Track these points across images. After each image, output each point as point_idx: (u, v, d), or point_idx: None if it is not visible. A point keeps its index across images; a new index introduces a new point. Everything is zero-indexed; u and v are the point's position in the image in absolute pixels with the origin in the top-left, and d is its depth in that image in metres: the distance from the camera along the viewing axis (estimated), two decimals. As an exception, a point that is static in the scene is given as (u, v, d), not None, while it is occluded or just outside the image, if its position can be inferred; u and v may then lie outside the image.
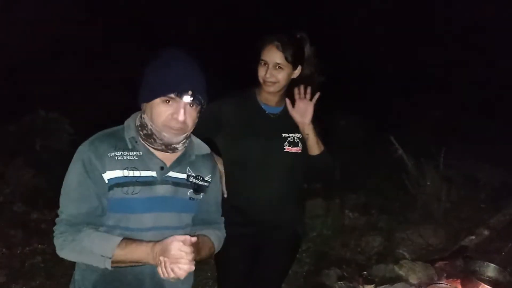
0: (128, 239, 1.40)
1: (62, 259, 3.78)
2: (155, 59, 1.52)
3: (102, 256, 1.37)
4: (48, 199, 4.38)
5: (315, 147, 2.13)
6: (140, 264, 1.41)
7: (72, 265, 3.73)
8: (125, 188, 1.45)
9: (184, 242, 1.32)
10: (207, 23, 8.85)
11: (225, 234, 1.75)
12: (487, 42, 7.88)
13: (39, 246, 3.93)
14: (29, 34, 6.04)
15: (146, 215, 1.48)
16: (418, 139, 5.72)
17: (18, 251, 3.89)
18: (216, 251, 1.66)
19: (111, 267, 1.38)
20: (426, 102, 7.39)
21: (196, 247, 1.40)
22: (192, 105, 1.47)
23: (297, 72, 2.12)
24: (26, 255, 3.85)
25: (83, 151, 1.47)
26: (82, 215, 1.43)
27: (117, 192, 1.45)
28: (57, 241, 1.43)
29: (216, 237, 1.65)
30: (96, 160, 1.44)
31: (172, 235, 1.45)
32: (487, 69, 7.42)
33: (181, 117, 1.44)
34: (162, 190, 1.51)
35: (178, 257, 1.30)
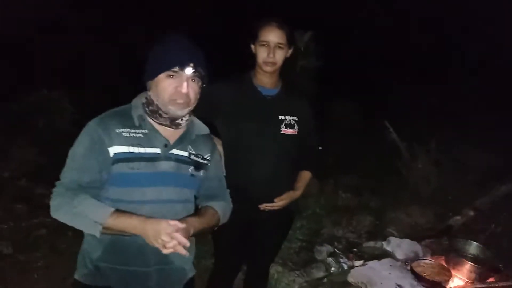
0: (120, 211, 1.47)
1: (66, 232, 3.92)
2: (157, 42, 1.63)
3: (95, 222, 1.42)
4: (51, 175, 4.46)
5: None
6: (126, 233, 1.47)
7: (75, 238, 3.87)
8: (131, 164, 1.54)
9: (173, 227, 1.41)
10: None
11: (231, 205, 1.84)
12: (478, 29, 7.93)
13: (43, 219, 4.03)
14: (31, 12, 6.05)
15: (150, 189, 1.57)
16: (411, 124, 5.83)
17: (23, 224, 4.01)
18: (222, 219, 1.75)
19: (100, 233, 1.44)
20: (421, 89, 7.48)
21: (187, 230, 1.48)
22: (194, 80, 1.58)
23: (290, 52, 2.21)
24: (31, 228, 3.97)
25: (92, 126, 1.55)
26: (81, 182, 1.50)
27: (122, 167, 1.53)
28: (53, 202, 1.50)
29: (220, 206, 1.74)
30: (103, 134, 1.52)
31: (172, 208, 1.60)
32: (479, 56, 7.49)
33: (184, 89, 1.55)
34: (165, 166, 1.60)
35: (167, 242, 1.40)
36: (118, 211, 1.46)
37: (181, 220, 1.49)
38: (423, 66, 8.28)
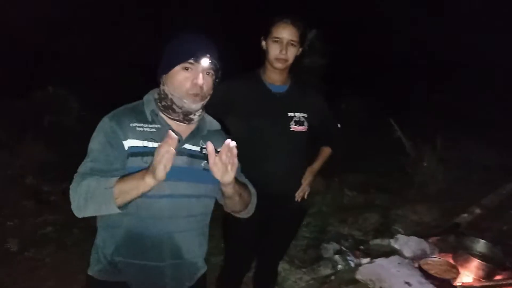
0: (129, 174, 1.44)
1: (73, 230, 3.94)
2: (169, 39, 1.63)
3: (105, 188, 1.39)
4: (58, 172, 4.51)
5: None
6: (140, 192, 1.39)
7: (82, 235, 3.89)
8: (145, 158, 1.53)
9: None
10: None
11: (254, 191, 1.82)
12: (487, 26, 7.92)
13: (50, 216, 4.06)
14: (39, 11, 6.06)
15: (163, 183, 1.51)
16: (417, 122, 5.83)
17: (30, 221, 4.03)
18: (252, 201, 1.76)
19: (117, 205, 1.39)
20: (427, 86, 7.48)
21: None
22: (209, 73, 1.58)
23: (300, 51, 2.21)
24: (38, 225, 3.99)
25: (106, 121, 1.56)
26: (95, 169, 1.49)
27: (136, 161, 1.53)
28: (70, 192, 1.48)
29: (253, 190, 1.77)
30: (117, 128, 1.53)
31: (188, 203, 1.60)
32: (486, 54, 7.47)
33: (200, 81, 1.54)
34: (178, 160, 1.58)
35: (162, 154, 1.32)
36: (126, 174, 1.45)
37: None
38: (429, 64, 8.26)
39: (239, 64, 2.34)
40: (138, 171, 1.42)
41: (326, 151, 2.50)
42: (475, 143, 5.34)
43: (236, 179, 1.58)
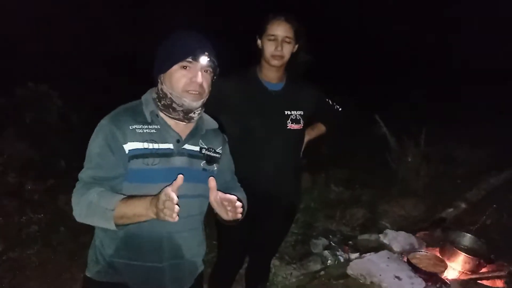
0: (134, 196, 1.43)
1: (59, 229, 3.86)
2: (165, 37, 1.62)
3: (106, 209, 1.39)
4: (40, 170, 4.40)
5: None
6: (142, 220, 1.40)
7: (68, 234, 3.81)
8: (146, 160, 1.52)
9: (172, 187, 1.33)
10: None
11: (245, 196, 1.84)
12: (470, 25, 8.07)
13: (35, 215, 3.96)
14: (20, 4, 5.92)
15: (165, 184, 1.49)
16: (401, 118, 5.90)
17: (14, 221, 3.92)
18: (245, 209, 1.75)
19: (115, 225, 1.40)
20: (410, 83, 7.58)
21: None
22: (207, 71, 1.58)
23: (296, 48, 2.21)
24: (22, 224, 3.88)
25: (105, 124, 1.53)
26: (98, 178, 1.49)
27: (137, 163, 1.52)
28: (72, 200, 1.48)
29: (244, 198, 1.77)
30: (117, 131, 1.51)
31: (187, 204, 1.57)
32: (468, 51, 7.61)
33: (199, 79, 1.54)
34: (178, 161, 1.59)
35: (165, 201, 1.31)
36: (130, 196, 1.43)
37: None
38: (411, 61, 8.37)
39: (236, 60, 2.31)
40: (142, 196, 1.41)
41: (320, 126, 2.56)
42: (458, 139, 5.43)
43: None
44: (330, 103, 2.50)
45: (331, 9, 9.38)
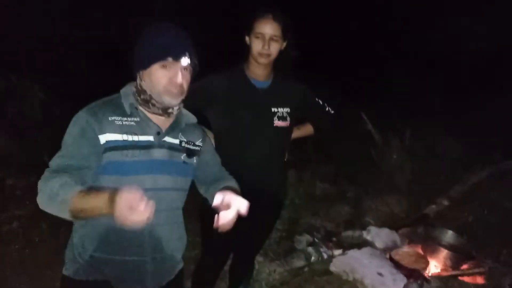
0: (92, 189, 1.39)
1: (40, 225, 3.81)
2: (145, 29, 1.60)
3: (63, 200, 1.34)
4: (22, 165, 4.35)
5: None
6: (97, 214, 1.34)
7: (50, 230, 3.76)
8: (125, 151, 1.51)
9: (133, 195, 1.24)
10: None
11: (236, 182, 1.84)
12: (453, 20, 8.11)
13: (16, 211, 3.90)
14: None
15: (145, 176, 1.55)
16: (386, 114, 5.93)
17: (-6, 217, 3.89)
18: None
19: (72, 217, 1.36)
20: (395, 78, 7.62)
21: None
22: (187, 69, 1.57)
23: (284, 45, 2.22)
24: (3, 220, 3.83)
25: (81, 114, 1.52)
26: (67, 166, 1.45)
27: (116, 155, 1.50)
28: (38, 186, 1.44)
29: (236, 185, 1.80)
30: (94, 122, 1.49)
31: (167, 196, 1.60)
32: (452, 47, 7.66)
33: (179, 80, 1.54)
34: (159, 153, 1.59)
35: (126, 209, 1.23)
36: (88, 189, 1.39)
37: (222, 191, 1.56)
38: (395, 55, 8.41)
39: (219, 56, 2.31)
40: (101, 191, 1.34)
41: (307, 127, 2.56)
42: (441, 135, 5.48)
43: (229, 188, 1.65)
44: (321, 103, 2.48)
45: (313, 4, 9.36)
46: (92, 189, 1.39)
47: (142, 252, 1.59)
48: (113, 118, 1.53)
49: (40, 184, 1.44)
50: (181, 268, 1.81)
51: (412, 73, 7.57)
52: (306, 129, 2.55)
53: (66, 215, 1.37)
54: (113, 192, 1.26)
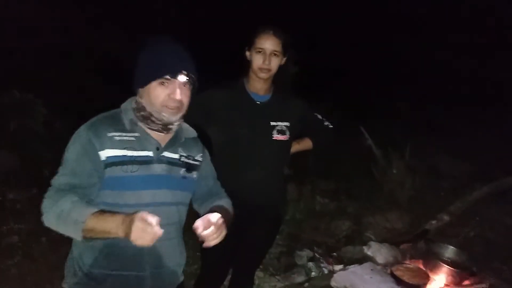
0: (103, 211, 1.43)
1: (40, 239, 3.80)
2: (144, 46, 1.63)
3: (76, 220, 1.38)
4: (23, 179, 4.36)
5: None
6: (110, 236, 1.40)
7: (49, 245, 3.75)
8: (125, 167, 1.53)
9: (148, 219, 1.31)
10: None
11: (230, 201, 1.86)
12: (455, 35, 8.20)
13: (16, 225, 3.89)
14: (3, 10, 5.88)
15: (145, 192, 1.57)
16: (386, 130, 5.96)
17: (-5, 231, 3.87)
18: (231, 214, 1.80)
19: (82, 237, 1.39)
20: (395, 95, 7.66)
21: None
22: (186, 85, 1.59)
23: (284, 60, 2.25)
24: (3, 234, 3.81)
25: (82, 131, 1.54)
26: (72, 185, 1.48)
27: (116, 170, 1.52)
28: (43, 205, 1.47)
29: (228, 204, 1.81)
30: (94, 138, 1.51)
31: (166, 211, 1.60)
32: (454, 64, 7.74)
33: (178, 96, 1.55)
34: (158, 169, 1.60)
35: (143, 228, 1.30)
36: (102, 211, 1.43)
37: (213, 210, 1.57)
38: (395, 71, 8.47)
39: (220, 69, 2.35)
40: (115, 213, 1.41)
41: (306, 141, 2.56)
42: (441, 152, 5.50)
43: (219, 208, 1.66)
44: (320, 118, 2.50)
45: (316, 18, 9.47)
46: (106, 212, 1.43)
47: (141, 267, 1.59)
48: (112, 134, 1.55)
49: (46, 203, 1.46)
50: (181, 282, 1.81)
51: (413, 90, 7.63)
52: (305, 144, 2.56)
53: (77, 235, 1.40)
54: (128, 216, 1.34)
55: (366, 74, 8.53)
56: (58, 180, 1.51)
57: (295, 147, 2.49)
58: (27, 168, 4.45)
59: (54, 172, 1.52)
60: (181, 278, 1.81)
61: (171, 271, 1.70)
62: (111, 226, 1.36)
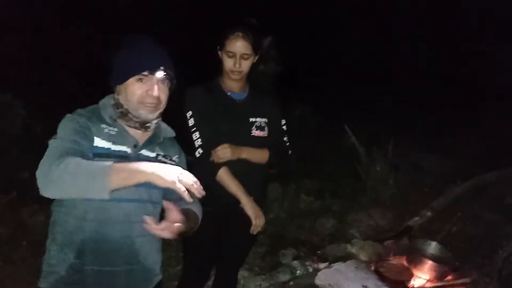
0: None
1: (20, 243, 3.71)
2: (122, 43, 1.63)
3: (103, 166, 1.34)
4: (3, 182, 4.27)
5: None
6: (141, 179, 1.36)
7: (30, 249, 3.67)
8: (105, 160, 1.48)
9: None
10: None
11: (201, 207, 1.84)
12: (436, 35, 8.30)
13: (-5, 230, 3.83)
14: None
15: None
16: (369, 129, 5.99)
17: (-27, 235, 3.78)
18: (199, 222, 1.77)
19: (110, 182, 1.32)
20: (378, 94, 7.72)
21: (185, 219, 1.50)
22: (164, 82, 1.60)
23: (256, 58, 2.23)
24: (-18, 239, 3.76)
25: (75, 115, 1.54)
26: (74, 150, 1.44)
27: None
28: (39, 170, 1.39)
29: (198, 209, 1.78)
30: (90, 123, 1.53)
31: (144, 208, 1.59)
32: (434, 63, 7.83)
33: (155, 92, 1.56)
34: None
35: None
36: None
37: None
38: (377, 70, 8.54)
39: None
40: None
41: (262, 151, 2.30)
42: (424, 150, 5.56)
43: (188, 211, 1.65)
44: (284, 130, 2.40)
45: (298, 18, 9.50)
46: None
47: (116, 262, 1.58)
48: (102, 125, 1.57)
49: (46, 164, 1.38)
50: (159, 280, 1.79)
51: (396, 89, 7.70)
52: (262, 155, 2.31)
53: (102, 180, 1.32)
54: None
55: (349, 73, 8.57)
56: (62, 145, 1.45)
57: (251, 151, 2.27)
58: (5, 172, 4.35)
59: (34, 175, 1.45)
60: (160, 277, 1.78)
61: (146, 268, 1.68)
62: (139, 169, 1.36)
